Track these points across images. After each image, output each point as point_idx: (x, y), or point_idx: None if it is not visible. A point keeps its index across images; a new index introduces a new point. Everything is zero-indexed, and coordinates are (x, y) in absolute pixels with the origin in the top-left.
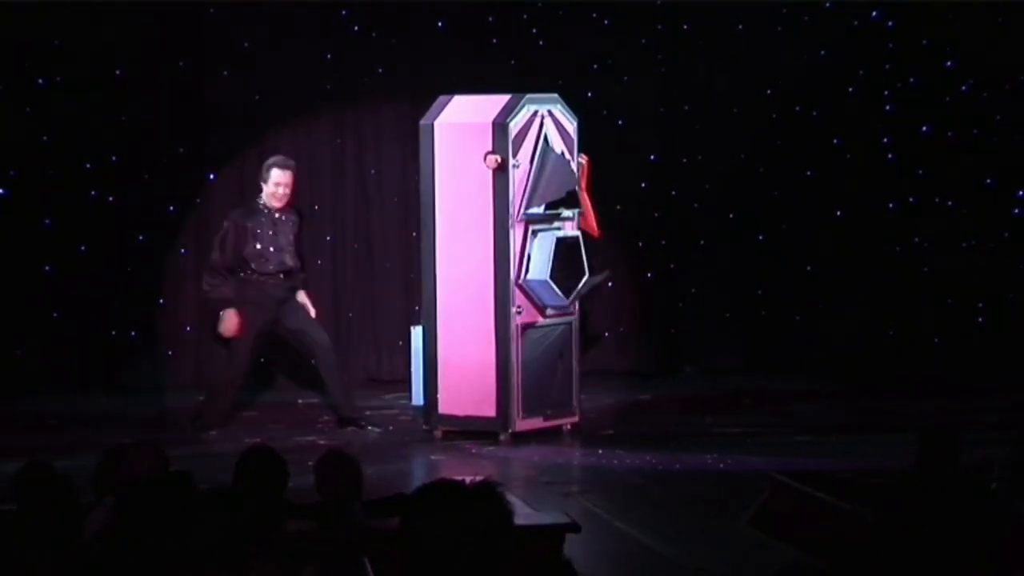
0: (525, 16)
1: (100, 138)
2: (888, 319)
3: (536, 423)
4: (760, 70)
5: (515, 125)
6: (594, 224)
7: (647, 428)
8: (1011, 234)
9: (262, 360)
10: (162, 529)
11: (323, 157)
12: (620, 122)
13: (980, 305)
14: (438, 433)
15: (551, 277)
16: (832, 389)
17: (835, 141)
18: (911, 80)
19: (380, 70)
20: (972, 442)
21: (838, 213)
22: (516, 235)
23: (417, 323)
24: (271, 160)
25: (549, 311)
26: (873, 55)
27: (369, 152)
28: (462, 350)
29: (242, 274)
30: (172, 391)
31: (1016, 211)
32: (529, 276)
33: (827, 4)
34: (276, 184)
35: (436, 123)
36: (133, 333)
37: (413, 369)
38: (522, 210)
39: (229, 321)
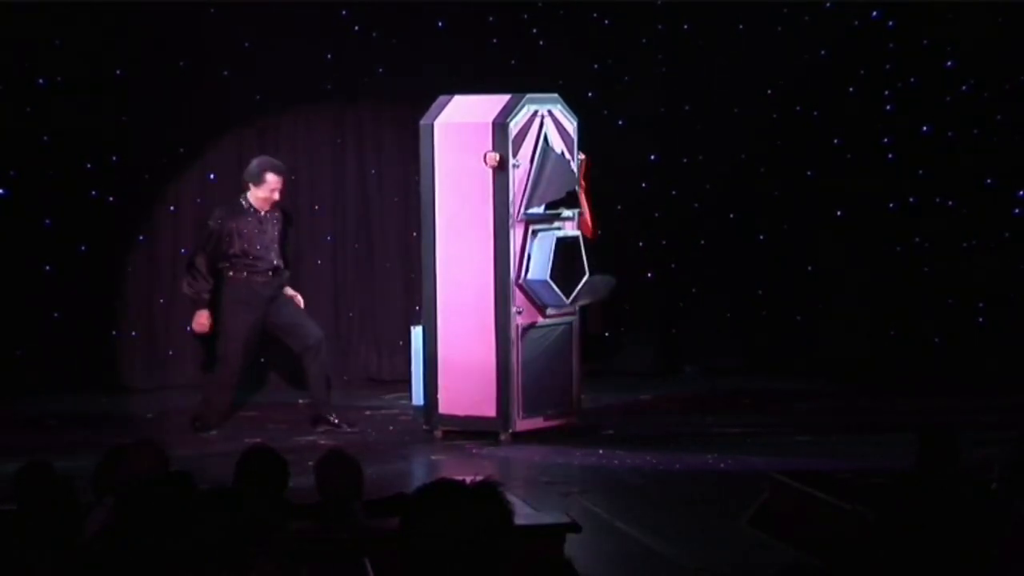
0: (525, 16)
1: (100, 138)
2: (888, 319)
3: (536, 423)
4: (760, 70)
5: (515, 125)
6: (590, 224)
7: (647, 428)
8: (1011, 234)
9: (262, 360)
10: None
11: (323, 157)
12: (620, 122)
13: (980, 305)
14: (438, 433)
15: (551, 277)
16: (832, 389)
17: (835, 141)
18: (911, 80)
19: (380, 70)
20: (972, 442)
21: (838, 213)
22: (516, 235)
23: (417, 323)
24: (265, 162)
25: (549, 311)
26: (873, 55)
27: (369, 152)
28: (462, 350)
29: (231, 273)
30: (172, 391)
31: (1016, 211)
32: (529, 276)
33: (827, 4)
34: (271, 189)
35: (436, 123)
36: (133, 333)
37: (413, 369)
38: (522, 210)
39: (198, 320)
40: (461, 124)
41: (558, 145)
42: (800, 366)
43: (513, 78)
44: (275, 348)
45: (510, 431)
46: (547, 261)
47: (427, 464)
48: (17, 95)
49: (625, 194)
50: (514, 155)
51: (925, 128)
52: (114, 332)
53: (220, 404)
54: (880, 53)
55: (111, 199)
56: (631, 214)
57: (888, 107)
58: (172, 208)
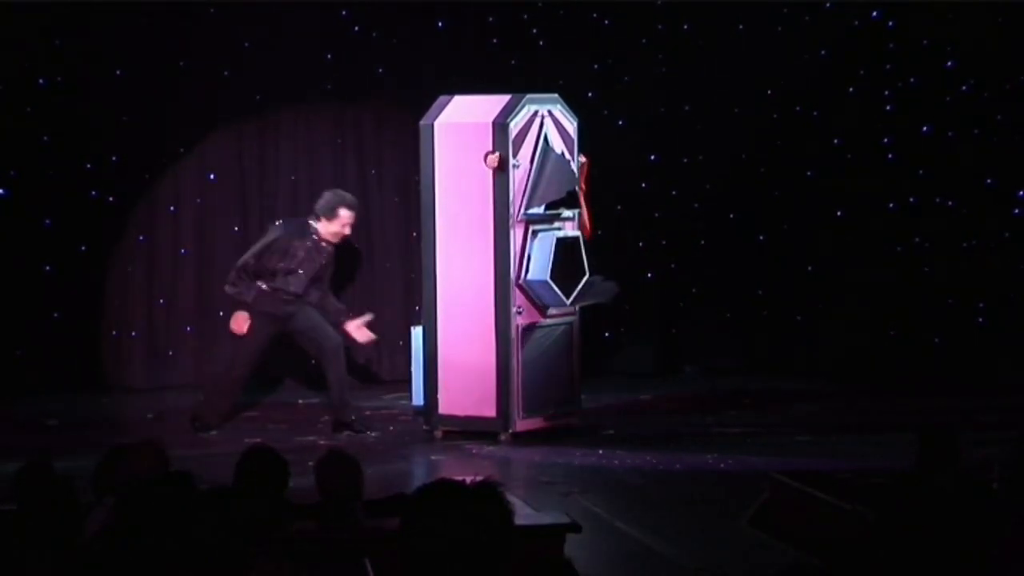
0: (525, 16)
1: (100, 138)
2: (888, 319)
3: (536, 423)
4: (760, 70)
5: (515, 125)
6: (587, 224)
7: (647, 428)
8: (1011, 234)
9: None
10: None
11: (323, 157)
12: (620, 122)
13: (980, 305)
14: (438, 433)
15: (551, 277)
16: (832, 389)
17: (835, 141)
18: (911, 80)
19: (380, 70)
20: (972, 442)
21: (838, 213)
22: (516, 235)
23: (417, 323)
24: (339, 198)
25: (550, 311)
26: (873, 55)
27: (369, 152)
28: (462, 350)
29: (264, 286)
30: (172, 391)
31: (1016, 211)
32: (529, 276)
33: (827, 4)
34: (343, 224)
35: (436, 123)
36: (133, 333)
37: (413, 369)
38: (522, 210)
39: (238, 320)
40: (461, 124)
41: (558, 145)
42: (800, 366)
43: (513, 78)
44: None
45: (510, 431)
46: (547, 261)
47: (427, 464)
48: (17, 95)
49: (625, 194)
50: (514, 155)
51: (925, 128)
52: (114, 332)
53: (223, 404)
54: (880, 53)
55: (111, 199)
56: (631, 214)
57: (888, 107)
58: (172, 208)
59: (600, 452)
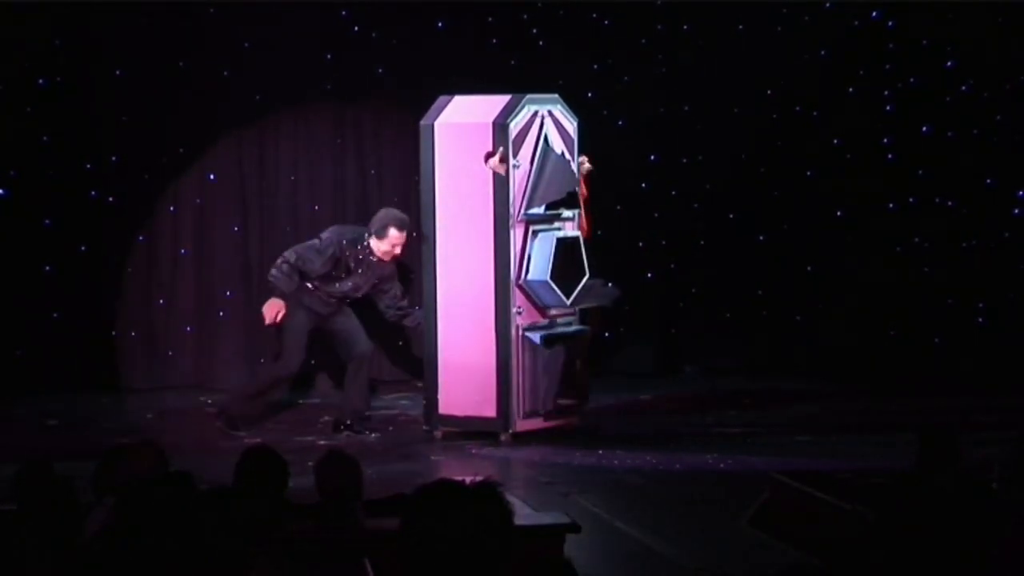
0: (525, 16)
1: (100, 138)
2: (888, 319)
3: (536, 423)
4: (760, 70)
5: (515, 125)
6: (585, 225)
7: (647, 428)
8: (1011, 234)
9: (262, 361)
10: (162, 529)
11: (323, 157)
12: (620, 122)
13: (980, 305)
14: (438, 433)
15: (551, 277)
16: (832, 389)
17: (835, 141)
18: (911, 80)
19: (380, 70)
20: (972, 442)
21: (838, 213)
22: (516, 235)
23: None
24: (389, 217)
25: (552, 311)
26: (873, 55)
27: (369, 152)
28: (462, 350)
29: (308, 285)
30: (172, 391)
31: (1016, 211)
32: (529, 276)
33: (827, 4)
34: (392, 244)
35: (436, 123)
36: (133, 333)
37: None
38: (522, 210)
39: (273, 307)
40: (461, 124)
41: (558, 145)
42: (800, 366)
43: (513, 78)
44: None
45: (510, 431)
46: (547, 261)
47: (427, 464)
48: (17, 95)
49: (625, 194)
50: (514, 155)
51: (925, 128)
52: (114, 332)
53: (258, 401)
54: (880, 53)
55: (111, 199)
56: (631, 214)
57: (888, 107)
58: (172, 208)
59: (600, 452)
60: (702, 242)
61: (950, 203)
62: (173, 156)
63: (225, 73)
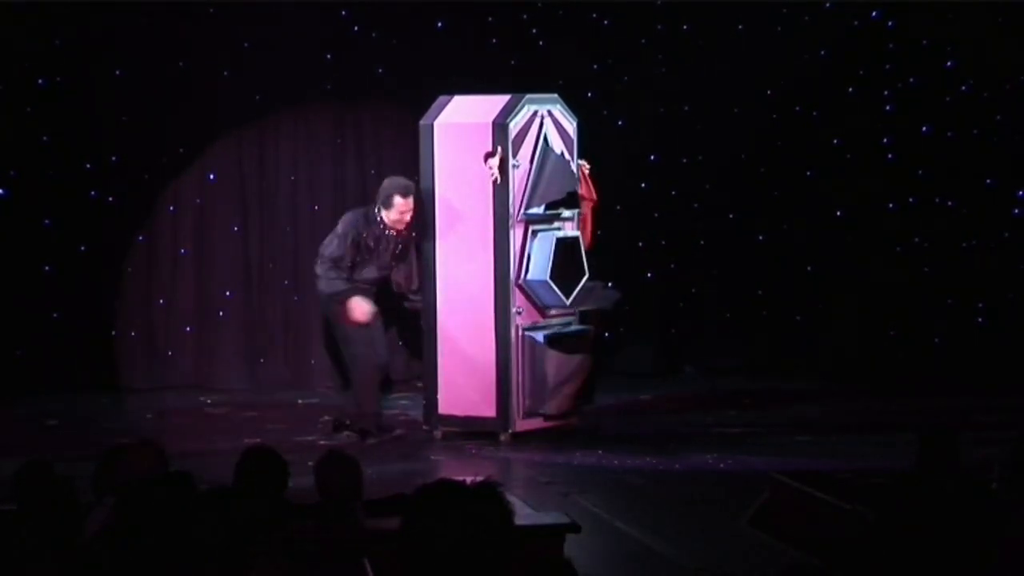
0: (525, 16)
1: (100, 138)
2: (888, 319)
3: (536, 423)
4: (760, 70)
5: (515, 125)
6: (588, 236)
7: (647, 428)
8: (1011, 234)
9: (261, 360)
10: (162, 529)
11: (323, 157)
12: (620, 122)
13: (980, 305)
14: (438, 433)
15: (551, 277)
16: (832, 389)
17: (835, 141)
18: (911, 80)
19: (380, 70)
20: (972, 442)
21: (838, 213)
22: (516, 235)
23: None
24: (393, 185)
25: (552, 312)
26: (873, 55)
27: (369, 152)
28: (462, 350)
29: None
30: (172, 391)
31: (1016, 211)
32: (529, 276)
33: (827, 4)
34: (400, 212)
35: (436, 123)
36: (133, 333)
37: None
38: (522, 210)
39: (360, 306)
40: (461, 124)
41: (558, 145)
42: (800, 366)
43: (513, 78)
44: (275, 349)
45: (510, 431)
46: (547, 261)
47: (427, 464)
48: (17, 95)
49: (625, 194)
50: (514, 155)
51: (925, 128)
52: (114, 332)
53: (372, 405)
54: (880, 53)
55: (111, 199)
56: (631, 214)
57: (888, 107)
58: (172, 208)
59: (600, 452)
60: (702, 242)
61: (950, 203)
62: (173, 156)
63: (225, 73)
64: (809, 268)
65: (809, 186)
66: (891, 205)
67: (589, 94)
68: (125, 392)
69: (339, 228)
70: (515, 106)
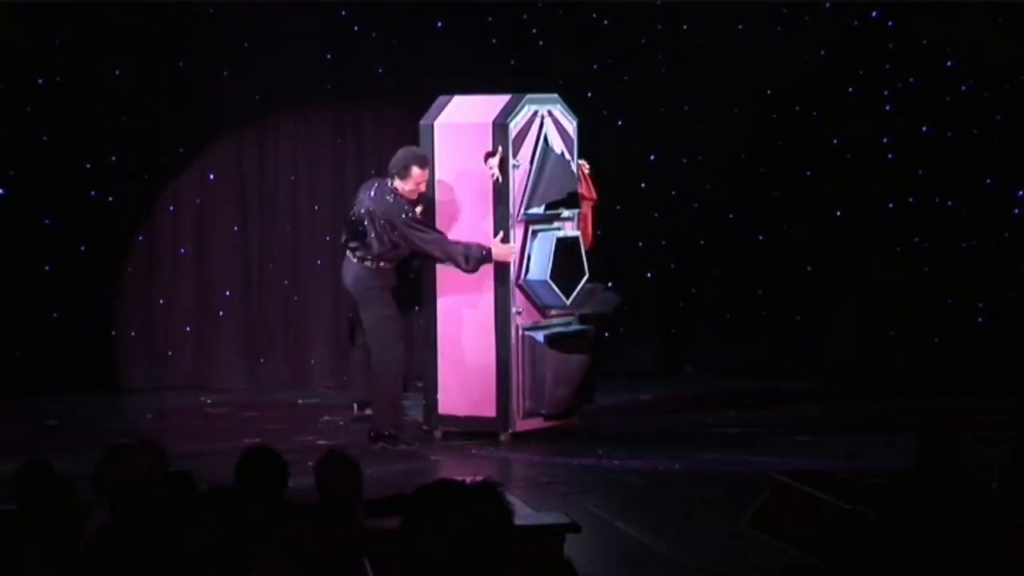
0: (525, 16)
1: (100, 138)
2: (888, 319)
3: (536, 423)
4: (760, 70)
5: (515, 125)
6: (588, 236)
7: (647, 428)
8: (1011, 234)
9: (261, 360)
10: (162, 529)
11: (323, 157)
12: (620, 122)
13: (980, 305)
14: (438, 433)
15: (551, 277)
16: (832, 389)
17: (835, 141)
18: (911, 80)
19: (380, 70)
20: (972, 442)
21: (838, 213)
22: (516, 235)
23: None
24: (409, 155)
25: (552, 312)
26: (873, 55)
27: (369, 152)
28: (462, 350)
29: (381, 264)
30: (172, 391)
31: (1016, 211)
32: (529, 276)
33: (827, 4)
34: (417, 182)
35: (436, 123)
36: (133, 333)
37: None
38: (522, 210)
39: (507, 248)
40: (461, 124)
41: (558, 145)
42: (800, 366)
43: (513, 78)
44: (275, 349)
45: (510, 431)
46: (547, 261)
47: (427, 464)
48: (17, 95)
49: (625, 194)
50: (514, 155)
51: (925, 128)
52: (114, 332)
53: (400, 414)
54: (880, 53)
55: (111, 199)
56: (631, 214)
57: (888, 107)
58: (172, 208)
59: (600, 452)
60: (702, 242)
61: (950, 203)
62: (173, 156)
63: (225, 73)
64: (809, 268)
65: (809, 186)
66: (891, 205)
67: (589, 94)
68: (125, 392)
69: (387, 212)
70: (515, 106)
